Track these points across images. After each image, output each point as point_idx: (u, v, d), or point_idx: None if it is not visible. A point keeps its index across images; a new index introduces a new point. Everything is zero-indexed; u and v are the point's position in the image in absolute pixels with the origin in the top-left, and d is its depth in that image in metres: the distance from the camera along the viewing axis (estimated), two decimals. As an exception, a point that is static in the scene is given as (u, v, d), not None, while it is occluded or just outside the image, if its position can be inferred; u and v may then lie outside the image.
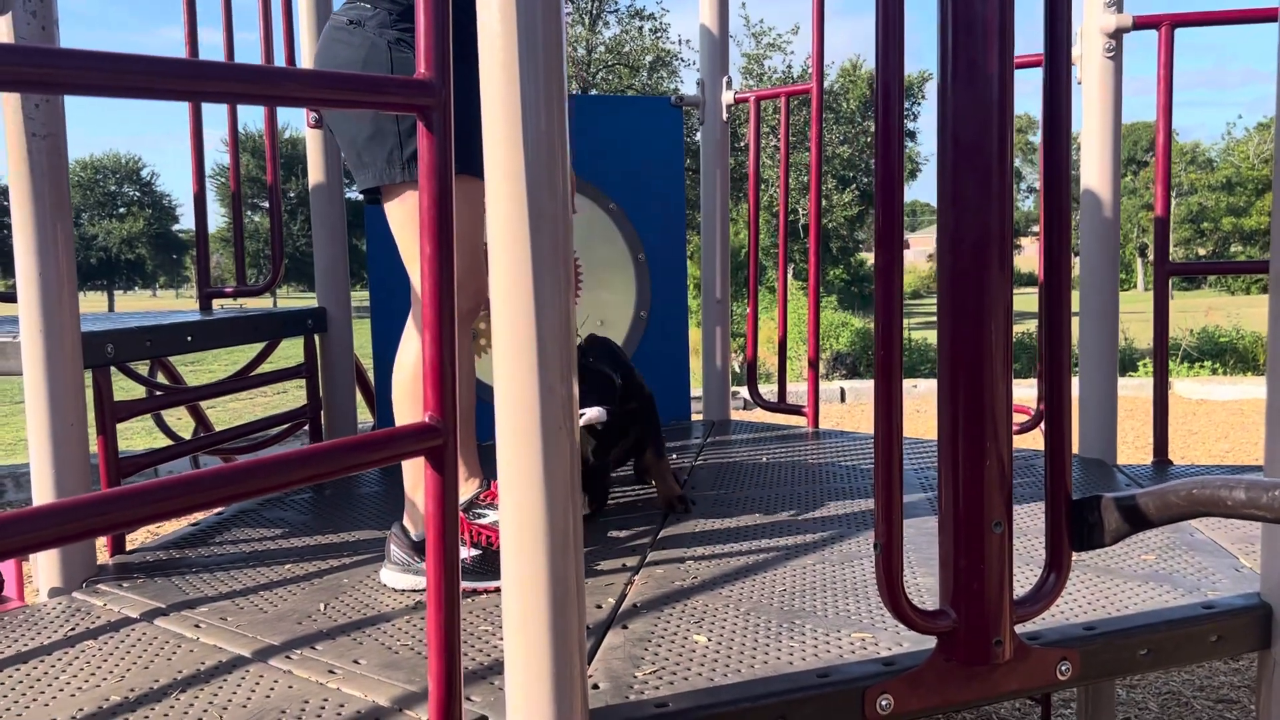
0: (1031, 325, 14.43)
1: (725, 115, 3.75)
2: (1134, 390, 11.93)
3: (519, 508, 1.34)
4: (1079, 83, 3.01)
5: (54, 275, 2.09)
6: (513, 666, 1.37)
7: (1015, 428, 3.16)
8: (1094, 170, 2.99)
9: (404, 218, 2.08)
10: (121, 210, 62.45)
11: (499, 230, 1.32)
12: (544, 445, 1.33)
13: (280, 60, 3.25)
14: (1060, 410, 1.61)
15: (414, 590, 2.02)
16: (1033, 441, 3.60)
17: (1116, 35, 2.92)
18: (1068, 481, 1.61)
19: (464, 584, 1.93)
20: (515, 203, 1.30)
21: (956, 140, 1.53)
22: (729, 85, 3.72)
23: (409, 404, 2.08)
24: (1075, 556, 2.11)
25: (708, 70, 3.76)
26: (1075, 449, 3.11)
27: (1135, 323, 20.15)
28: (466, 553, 1.99)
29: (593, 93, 21.61)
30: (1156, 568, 2.05)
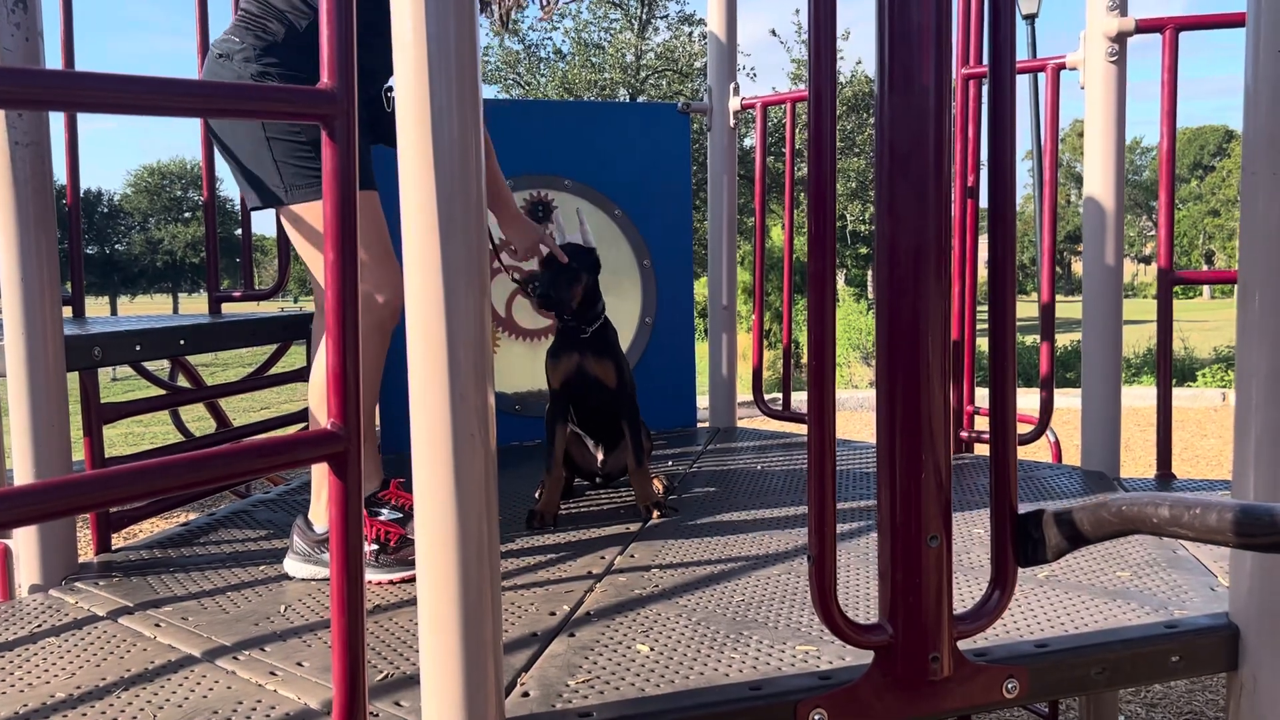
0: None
1: (732, 122, 3.73)
2: (1188, 400, 11.67)
3: (432, 516, 1.35)
4: (1082, 88, 2.96)
5: (36, 280, 2.14)
6: (427, 675, 1.38)
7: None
8: (1097, 177, 2.93)
9: (300, 236, 2.21)
10: (187, 215, 63.82)
11: (412, 238, 1.33)
12: (455, 453, 1.33)
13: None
14: (1004, 422, 1.58)
15: (315, 579, 2.14)
16: (1042, 453, 3.54)
17: (1120, 39, 2.85)
18: (1013, 496, 1.57)
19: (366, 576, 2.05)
20: (427, 210, 1.31)
21: (893, 150, 1.50)
22: (736, 92, 3.71)
23: (321, 409, 2.16)
24: (1046, 572, 2.09)
25: (715, 77, 3.75)
26: (1077, 461, 3.05)
27: (1196, 331, 19.73)
28: (367, 547, 2.08)
29: (640, 99, 21.66)
30: (1129, 585, 2.00)
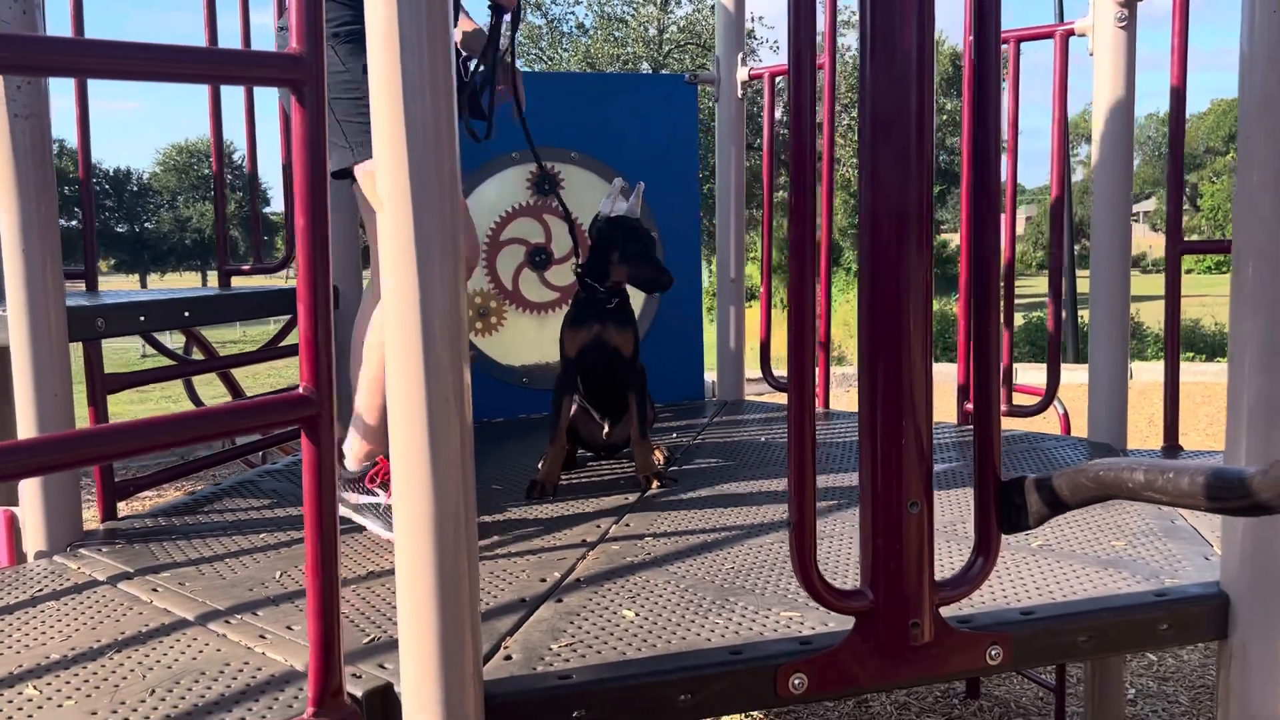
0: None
1: (740, 93, 3.71)
2: (1215, 375, 11.54)
3: (408, 482, 1.36)
4: (1090, 54, 2.91)
5: (38, 251, 2.16)
6: (405, 640, 1.39)
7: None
8: (1106, 146, 2.89)
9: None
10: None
11: (387, 208, 1.33)
12: (430, 419, 1.34)
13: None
14: (988, 390, 1.57)
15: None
16: (1047, 425, 3.52)
17: (1129, 4, 2.81)
18: (996, 463, 1.57)
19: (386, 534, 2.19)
20: (400, 181, 1.31)
21: (875, 116, 1.49)
22: (744, 62, 3.68)
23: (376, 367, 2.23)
24: (1039, 541, 2.08)
25: (723, 47, 3.73)
26: (1084, 433, 3.03)
27: (1226, 306, 19.53)
28: (383, 500, 2.22)
29: (663, 73, 21.54)
30: (1122, 554, 1.99)
